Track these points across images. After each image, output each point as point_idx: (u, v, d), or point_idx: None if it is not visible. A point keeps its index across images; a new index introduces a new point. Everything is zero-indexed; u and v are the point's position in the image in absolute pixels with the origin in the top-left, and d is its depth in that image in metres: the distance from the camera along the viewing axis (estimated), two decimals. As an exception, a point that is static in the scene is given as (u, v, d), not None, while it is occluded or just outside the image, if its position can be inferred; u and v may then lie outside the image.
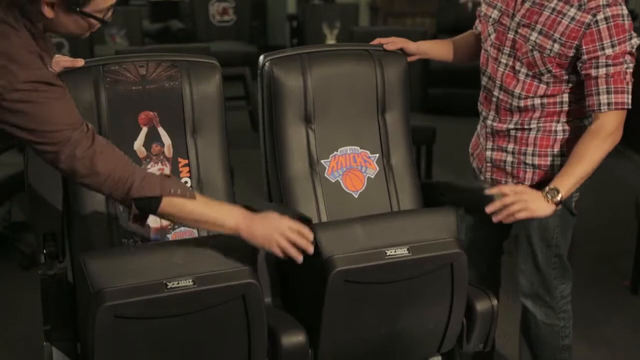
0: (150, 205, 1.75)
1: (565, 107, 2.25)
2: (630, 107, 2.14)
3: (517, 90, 2.25)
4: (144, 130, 2.17)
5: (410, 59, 2.46)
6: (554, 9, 2.16)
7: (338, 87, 2.35)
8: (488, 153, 2.39)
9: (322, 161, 2.34)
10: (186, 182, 2.20)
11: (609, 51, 2.10)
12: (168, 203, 1.76)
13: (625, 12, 2.13)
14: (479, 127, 2.45)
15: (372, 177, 2.38)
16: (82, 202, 2.09)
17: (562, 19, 2.14)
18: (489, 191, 2.12)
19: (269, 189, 2.38)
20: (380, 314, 2.07)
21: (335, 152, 2.36)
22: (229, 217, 1.81)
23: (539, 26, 2.18)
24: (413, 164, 2.44)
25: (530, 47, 2.20)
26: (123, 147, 2.10)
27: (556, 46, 2.15)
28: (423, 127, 4.33)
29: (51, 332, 2.06)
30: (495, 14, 2.31)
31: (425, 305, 2.11)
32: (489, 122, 2.37)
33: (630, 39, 2.12)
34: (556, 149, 2.27)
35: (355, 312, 2.03)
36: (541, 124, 2.27)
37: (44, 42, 1.71)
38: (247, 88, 5.97)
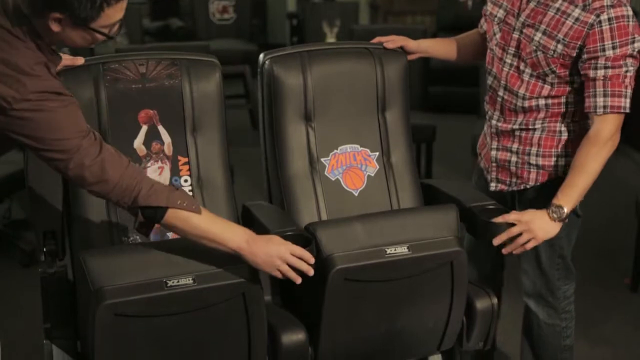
0: (156, 214, 1.77)
1: (571, 108, 2.24)
2: (628, 111, 2.12)
3: (522, 91, 2.24)
4: (144, 128, 2.17)
5: (410, 57, 2.46)
6: (558, 9, 2.15)
7: (338, 85, 2.35)
8: (493, 153, 2.38)
9: (322, 159, 2.34)
10: (186, 181, 2.20)
11: (609, 53, 2.09)
12: (173, 214, 1.77)
13: (631, 13, 2.10)
14: (485, 127, 2.45)
15: (372, 175, 2.38)
16: (82, 200, 2.09)
17: (566, 19, 2.13)
18: (496, 220, 2.13)
19: (269, 187, 2.38)
20: (380, 312, 2.07)
21: (335, 151, 2.36)
22: (232, 236, 1.82)
23: (543, 26, 2.17)
24: (413, 162, 2.44)
25: (534, 47, 2.19)
26: (123, 145, 2.11)
27: (559, 47, 2.15)
28: (423, 125, 4.33)
29: (51, 330, 2.06)
30: (500, 13, 2.30)
31: (425, 304, 2.11)
32: (493, 122, 2.37)
33: (633, 42, 2.09)
34: (560, 150, 2.26)
35: (355, 310, 2.03)
36: (546, 125, 2.26)
37: (50, 53, 1.73)
38: (247, 86, 5.96)
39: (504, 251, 2.16)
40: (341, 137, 2.36)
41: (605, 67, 2.10)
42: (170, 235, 2.13)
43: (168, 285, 1.79)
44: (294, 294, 2.19)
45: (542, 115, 2.25)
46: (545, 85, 2.22)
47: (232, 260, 1.84)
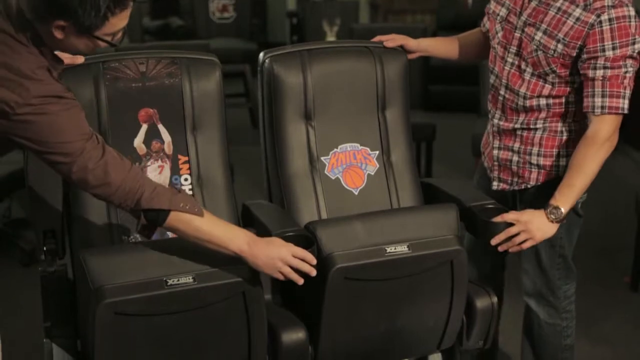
0: (158, 217, 1.77)
1: (572, 108, 2.23)
2: (626, 112, 2.12)
3: (523, 90, 2.24)
4: (144, 127, 2.17)
5: (410, 56, 2.45)
6: (559, 9, 2.15)
7: (338, 84, 2.35)
8: (495, 152, 2.38)
9: (322, 158, 2.34)
10: (186, 179, 2.20)
11: (609, 53, 2.08)
12: (175, 217, 1.77)
13: (632, 14, 2.10)
14: (488, 126, 2.44)
15: (372, 174, 2.38)
16: (82, 199, 2.09)
17: (567, 19, 2.13)
18: (495, 219, 2.14)
19: (269, 186, 2.38)
20: (380, 311, 2.07)
21: (335, 149, 2.36)
22: (233, 239, 1.82)
23: (544, 26, 2.17)
24: (413, 161, 2.44)
25: (535, 46, 2.18)
26: (123, 144, 2.11)
27: (560, 46, 2.14)
28: (423, 124, 4.33)
29: (51, 329, 2.06)
30: (503, 11, 2.30)
31: (425, 302, 2.11)
32: (495, 120, 2.36)
33: (634, 43, 2.09)
34: (561, 150, 2.26)
35: (355, 309, 2.03)
36: (547, 124, 2.26)
37: (53, 58, 1.73)
38: (247, 85, 5.96)
39: (500, 249, 2.16)
40: (341, 135, 2.36)
41: (605, 68, 2.09)
42: (170, 234, 2.13)
43: (168, 284, 1.79)
44: (294, 293, 2.19)
45: (543, 114, 2.25)
46: (546, 85, 2.21)
47: (232, 259, 1.84)
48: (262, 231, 2.02)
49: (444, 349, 2.25)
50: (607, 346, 3.12)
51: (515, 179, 2.35)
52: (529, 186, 2.33)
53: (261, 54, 2.33)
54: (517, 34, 2.24)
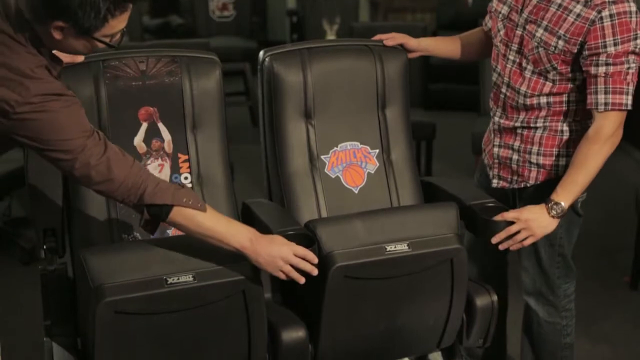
0: (161, 212, 1.78)
1: (572, 107, 2.23)
2: (629, 108, 2.11)
3: (523, 88, 2.24)
4: (144, 125, 2.17)
5: (410, 55, 2.45)
6: (560, 5, 2.15)
7: (338, 82, 2.35)
8: (495, 150, 2.38)
9: (322, 157, 2.34)
10: (186, 178, 2.20)
11: (610, 49, 2.08)
12: (178, 212, 1.78)
13: (634, 9, 2.09)
14: (490, 124, 2.45)
15: (372, 172, 2.38)
16: (82, 197, 2.09)
17: (568, 15, 2.13)
18: (495, 218, 2.14)
19: (269, 184, 2.38)
20: (380, 309, 2.07)
21: (335, 148, 2.36)
22: (236, 234, 1.82)
23: (544, 22, 2.17)
24: (413, 159, 2.44)
25: (536, 43, 2.18)
26: (123, 142, 2.11)
27: (560, 43, 2.14)
28: (423, 123, 4.33)
29: (51, 327, 2.07)
30: (505, 9, 2.30)
31: (425, 301, 2.11)
32: (496, 118, 2.37)
33: (636, 38, 2.08)
34: (562, 149, 2.26)
35: (355, 307, 2.03)
36: (547, 123, 2.26)
37: (51, 57, 1.74)
38: (247, 83, 5.96)
39: (501, 247, 2.16)
40: (341, 134, 2.36)
41: (607, 64, 2.09)
42: (170, 232, 2.14)
43: (168, 282, 1.79)
44: (294, 292, 2.19)
45: (543, 113, 2.25)
46: (547, 83, 2.21)
47: (232, 257, 1.85)
48: (262, 230, 2.01)
49: (444, 347, 2.25)
50: (607, 345, 3.12)
51: (515, 178, 2.35)
52: (528, 185, 2.33)
53: (261, 53, 2.33)
54: (519, 32, 2.24)
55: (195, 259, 1.84)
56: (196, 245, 1.85)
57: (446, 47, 2.53)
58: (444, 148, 5.00)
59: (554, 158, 2.27)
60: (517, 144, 2.32)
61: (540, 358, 2.51)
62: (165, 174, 2.18)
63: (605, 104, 2.11)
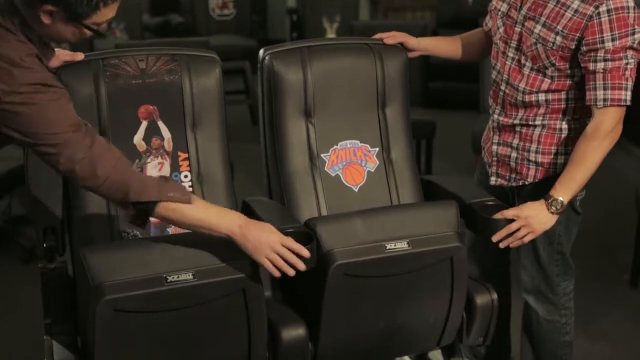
0: (147, 208, 1.77)
1: (571, 105, 2.23)
2: (629, 103, 2.12)
3: (522, 85, 2.24)
4: (144, 124, 2.17)
5: (411, 54, 2.45)
6: (558, 1, 2.15)
7: (338, 81, 2.35)
8: (494, 147, 2.38)
9: (322, 155, 2.34)
10: (186, 176, 2.20)
11: (608, 45, 2.08)
12: (164, 207, 1.77)
13: (631, 4, 2.10)
14: (489, 121, 2.45)
15: (372, 171, 2.38)
16: (82, 195, 2.09)
17: (566, 11, 2.13)
18: (495, 216, 2.14)
19: (269, 183, 2.38)
20: (380, 307, 2.07)
21: (335, 146, 2.36)
22: (224, 221, 1.82)
23: (543, 19, 2.17)
24: (413, 157, 2.44)
25: (534, 40, 2.19)
26: (123, 141, 2.12)
27: (558, 39, 2.14)
28: (423, 121, 4.33)
29: (51, 325, 2.07)
30: (504, 7, 2.30)
31: (425, 299, 2.11)
32: (495, 116, 2.37)
33: (634, 33, 2.08)
34: (560, 147, 2.26)
35: (355, 305, 2.03)
36: (546, 121, 2.26)
37: (42, 45, 1.72)
38: (247, 82, 5.96)
39: (502, 245, 2.16)
40: (341, 132, 2.36)
41: (605, 60, 2.09)
42: (171, 230, 2.14)
43: (168, 280, 1.79)
44: (294, 290, 2.19)
45: (542, 111, 2.25)
46: (546, 79, 2.22)
47: (232, 255, 1.85)
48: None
49: (443, 345, 2.25)
50: (607, 343, 3.12)
51: (513, 175, 2.35)
52: (526, 183, 2.33)
53: (261, 51, 2.33)
54: (518, 29, 2.24)
55: (195, 257, 1.83)
56: (196, 243, 1.85)
57: (446, 47, 2.53)
58: (444, 146, 4.99)
59: (552, 156, 2.27)
60: (515, 141, 2.32)
61: (540, 356, 2.51)
62: (165, 172, 2.18)
63: (605, 99, 2.11)
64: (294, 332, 2.00)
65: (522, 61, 2.24)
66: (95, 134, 1.75)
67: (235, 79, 5.81)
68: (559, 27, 2.14)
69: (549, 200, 2.15)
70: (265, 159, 2.37)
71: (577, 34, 2.11)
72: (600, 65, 2.10)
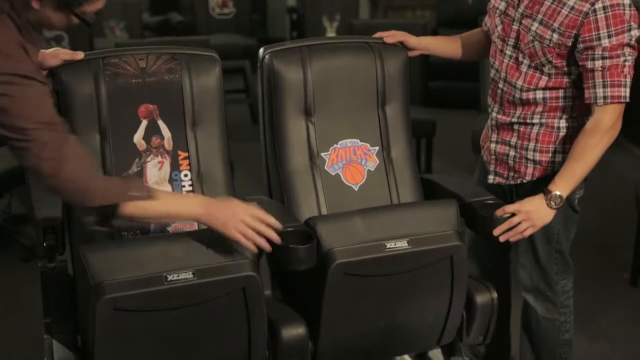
0: (110, 211, 1.78)
1: (569, 103, 2.24)
2: (628, 100, 2.13)
3: (520, 82, 2.25)
4: (144, 123, 2.17)
5: (411, 53, 2.45)
6: None
7: (338, 79, 2.35)
8: (492, 145, 2.39)
9: (322, 154, 2.34)
10: (186, 175, 2.20)
11: (605, 42, 2.09)
12: (128, 206, 1.78)
13: (627, 2, 2.10)
14: (489, 120, 2.46)
15: (372, 170, 2.38)
16: (82, 194, 2.09)
17: (562, 8, 2.14)
18: (497, 212, 2.16)
19: (269, 182, 2.38)
20: (380, 306, 2.07)
21: (335, 145, 2.36)
22: (187, 208, 1.85)
23: (539, 16, 2.18)
24: (413, 156, 2.44)
25: (531, 37, 2.20)
26: (123, 140, 2.12)
27: (555, 36, 2.15)
28: (423, 120, 4.33)
29: (51, 324, 2.07)
30: (502, 5, 2.31)
31: (425, 298, 2.11)
32: (494, 114, 2.38)
33: (630, 30, 2.09)
34: (558, 146, 2.27)
35: (355, 304, 2.03)
36: (544, 120, 2.27)
37: (29, 34, 1.71)
38: (247, 81, 5.96)
39: (502, 239, 2.17)
40: (341, 131, 2.36)
41: (603, 58, 2.10)
42: (171, 229, 2.14)
43: (168, 279, 1.79)
44: (294, 289, 2.19)
45: (540, 109, 2.26)
46: (543, 77, 2.22)
47: (232, 255, 1.85)
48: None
49: (443, 344, 2.25)
50: (606, 342, 3.12)
51: (512, 174, 2.36)
52: (524, 181, 2.34)
53: (261, 50, 2.33)
54: (515, 26, 2.25)
55: (195, 255, 1.83)
56: (196, 242, 1.85)
57: (446, 46, 2.54)
58: (444, 146, 4.99)
59: (550, 154, 2.27)
60: (514, 140, 2.33)
61: (539, 355, 2.51)
62: (165, 171, 2.18)
63: (604, 97, 2.12)
64: (294, 331, 2.00)
65: (520, 59, 2.25)
66: (69, 135, 1.74)
67: (235, 77, 5.81)
68: (556, 25, 2.14)
69: (548, 195, 2.16)
70: (265, 158, 2.37)
71: (574, 31, 2.12)
72: (598, 64, 2.10)
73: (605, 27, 2.08)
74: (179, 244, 1.85)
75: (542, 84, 2.23)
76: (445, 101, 5.98)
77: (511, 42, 2.27)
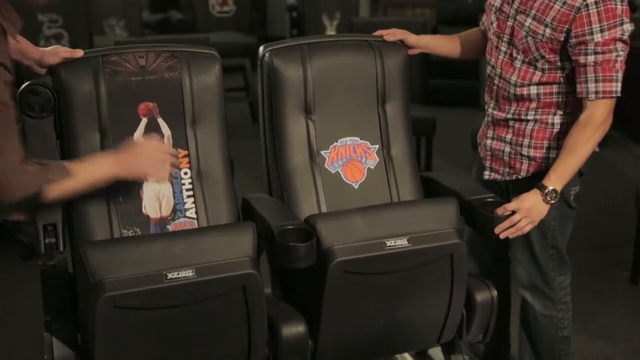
0: (34, 200, 1.78)
1: (562, 98, 2.26)
2: (619, 95, 2.15)
3: (514, 78, 2.28)
4: (144, 121, 2.17)
5: (410, 52, 2.46)
6: None
7: (338, 77, 2.35)
8: (488, 142, 2.41)
9: (322, 152, 2.34)
10: (186, 173, 2.20)
11: (597, 37, 2.10)
12: (51, 191, 1.79)
13: None
14: (485, 116, 2.47)
15: (372, 168, 2.38)
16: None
17: (555, 3, 2.16)
18: (498, 210, 2.17)
19: (269, 180, 2.38)
20: (380, 304, 2.07)
21: (335, 143, 2.35)
22: (105, 172, 1.89)
23: (533, 12, 2.21)
24: (413, 155, 2.44)
25: (525, 32, 2.22)
26: (123, 138, 2.11)
27: (548, 31, 2.17)
28: (423, 118, 4.33)
29: (51, 322, 2.07)
30: (497, 2, 2.34)
31: (425, 296, 2.11)
32: (490, 110, 2.40)
33: (622, 24, 2.11)
34: (552, 142, 2.29)
35: (355, 302, 2.03)
36: (538, 116, 2.29)
37: (8, 12, 1.71)
38: (247, 79, 5.96)
39: (502, 236, 2.19)
40: (341, 129, 2.36)
41: (596, 53, 2.12)
42: (170, 227, 2.14)
43: (168, 277, 1.79)
44: (294, 287, 2.19)
45: (534, 105, 2.28)
46: (537, 72, 2.24)
47: (232, 252, 1.85)
48: (263, 226, 2.02)
49: (443, 342, 2.25)
50: (607, 340, 3.13)
51: (507, 170, 2.38)
52: (519, 177, 2.36)
53: (261, 48, 2.32)
54: (510, 23, 2.28)
55: (195, 253, 1.83)
56: (196, 240, 1.85)
57: (446, 45, 2.55)
58: (444, 144, 5.00)
59: (544, 150, 2.30)
60: (509, 136, 2.35)
61: (538, 352, 2.52)
62: (165, 170, 2.17)
63: (596, 92, 2.14)
64: (294, 329, 2.00)
65: (514, 54, 2.27)
66: (12, 127, 1.73)
67: (235, 76, 5.81)
68: (548, 20, 2.16)
69: (545, 191, 2.18)
70: (265, 156, 2.37)
71: (566, 26, 2.14)
72: (590, 58, 2.12)
73: (598, 21, 2.10)
74: (179, 242, 1.85)
75: (535, 79, 2.25)
76: (445, 99, 5.98)
77: (506, 38, 2.29)
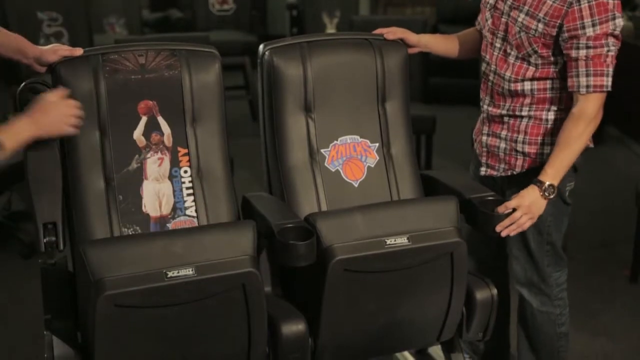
0: None
1: (556, 94, 2.27)
2: (610, 89, 2.17)
3: (508, 74, 2.30)
4: (144, 119, 2.17)
5: (410, 51, 2.46)
6: None
7: (338, 76, 2.35)
8: (484, 138, 2.44)
9: (322, 150, 2.34)
10: (186, 172, 2.20)
11: (589, 31, 2.12)
12: None
13: None
14: (481, 113, 2.49)
15: (372, 166, 2.38)
16: (82, 191, 2.09)
17: None
18: (499, 209, 2.18)
19: (268, 178, 2.38)
20: (380, 302, 2.07)
21: (335, 142, 2.35)
22: (24, 136, 1.92)
23: (526, 7, 2.23)
24: (413, 153, 2.44)
25: (518, 28, 2.24)
26: (122, 136, 2.12)
27: (540, 26, 2.18)
28: (423, 117, 4.33)
29: (51, 321, 2.07)
30: None
31: (425, 294, 2.11)
32: (485, 107, 2.43)
33: (614, 18, 2.13)
34: (546, 138, 2.31)
35: (355, 300, 2.03)
36: (532, 112, 2.31)
37: None
38: (246, 77, 5.96)
39: (503, 234, 2.20)
40: (341, 128, 2.36)
41: (587, 47, 2.14)
42: (170, 226, 2.14)
43: (168, 276, 1.79)
44: (294, 285, 2.19)
45: (528, 101, 2.30)
46: (530, 67, 2.26)
47: (232, 251, 1.85)
48: (262, 224, 2.02)
49: (443, 340, 2.26)
50: (607, 338, 3.13)
51: (502, 165, 2.39)
52: (514, 173, 2.38)
53: (261, 46, 2.32)
54: (504, 19, 2.30)
55: (195, 252, 1.83)
56: (196, 239, 1.86)
57: (445, 45, 2.57)
58: (444, 142, 5.00)
59: (538, 146, 2.32)
60: (504, 132, 2.37)
61: (536, 349, 2.52)
62: (165, 168, 2.18)
63: (587, 86, 2.16)
64: (294, 328, 2.00)
65: (508, 50, 2.29)
66: None
67: (235, 74, 5.81)
68: (541, 15, 2.18)
69: (542, 187, 2.20)
70: (265, 155, 2.37)
71: (558, 21, 2.16)
72: (582, 53, 2.14)
73: (589, 16, 2.12)
74: (179, 240, 1.85)
75: (529, 74, 2.27)
76: (445, 98, 5.98)
77: (500, 34, 2.31)
